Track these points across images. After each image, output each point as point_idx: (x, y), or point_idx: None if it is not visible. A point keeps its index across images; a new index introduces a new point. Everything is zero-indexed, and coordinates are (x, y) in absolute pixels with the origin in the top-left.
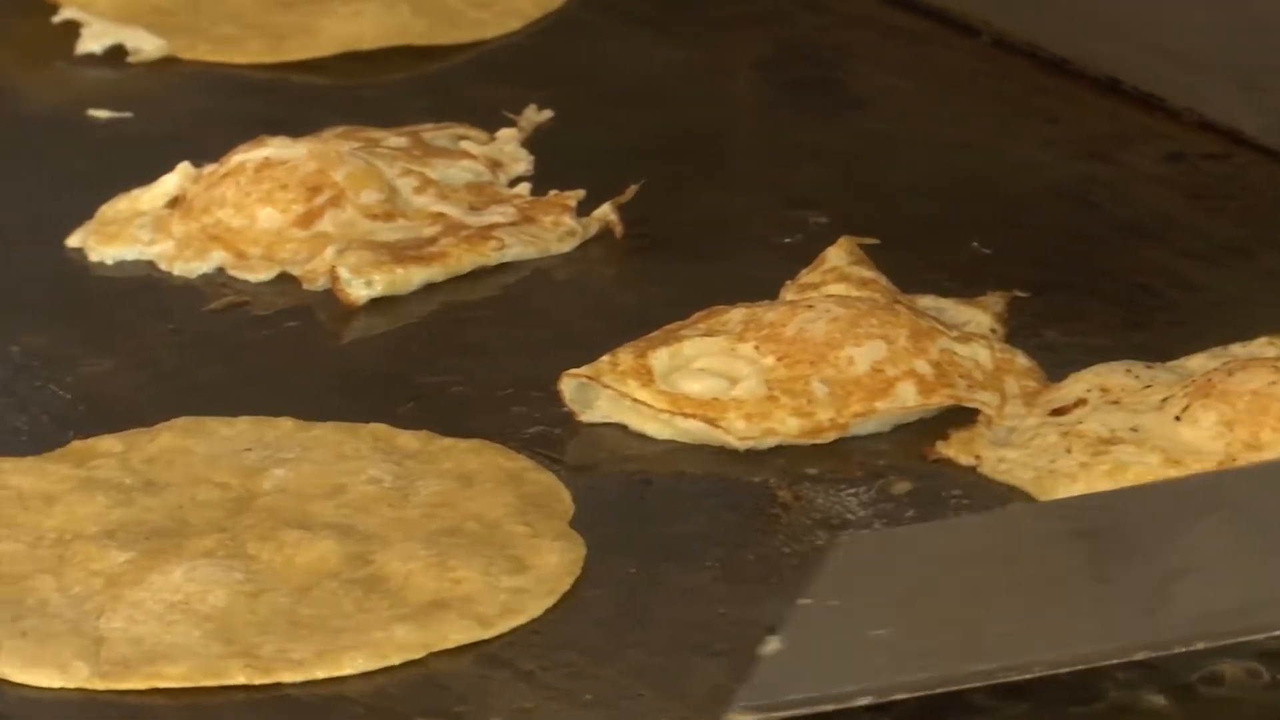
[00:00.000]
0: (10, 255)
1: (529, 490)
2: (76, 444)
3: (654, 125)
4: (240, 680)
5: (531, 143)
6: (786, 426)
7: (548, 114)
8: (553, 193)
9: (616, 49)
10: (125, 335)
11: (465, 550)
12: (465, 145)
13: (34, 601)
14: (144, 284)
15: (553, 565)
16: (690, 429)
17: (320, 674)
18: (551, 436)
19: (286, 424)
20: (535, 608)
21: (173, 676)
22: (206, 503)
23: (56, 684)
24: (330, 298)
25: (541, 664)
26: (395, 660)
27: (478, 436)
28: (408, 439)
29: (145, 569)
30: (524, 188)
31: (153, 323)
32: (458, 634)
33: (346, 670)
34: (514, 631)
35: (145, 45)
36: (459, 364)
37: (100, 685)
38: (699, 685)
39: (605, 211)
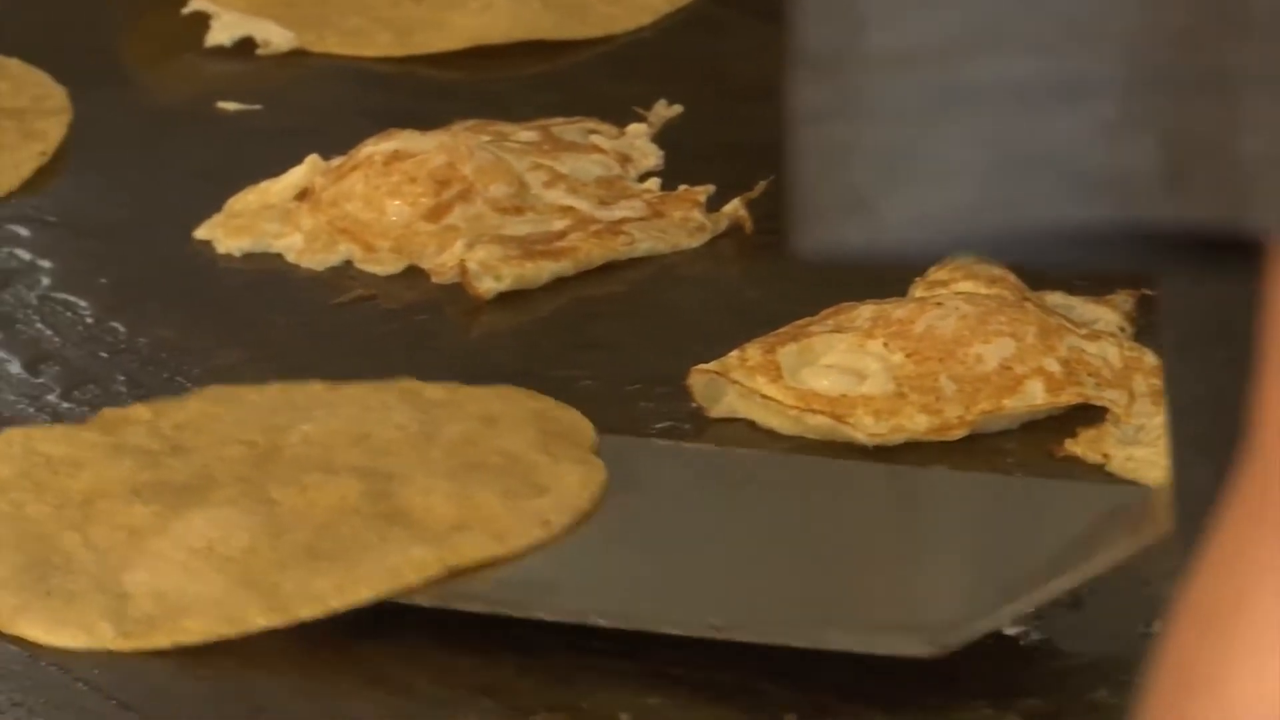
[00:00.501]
0: (139, 247)
1: (552, 426)
2: (107, 412)
3: (784, 121)
4: (260, 623)
5: (661, 138)
6: (915, 423)
7: (677, 109)
8: (682, 188)
9: (747, 44)
10: (252, 328)
11: (486, 480)
12: (595, 140)
13: (59, 559)
14: (272, 276)
15: (573, 486)
16: (818, 425)
17: (337, 604)
18: (679, 431)
19: (316, 386)
20: (555, 524)
21: (195, 632)
22: (231, 459)
23: (83, 644)
24: (459, 291)
25: None
26: (413, 579)
27: (605, 432)
28: (435, 390)
29: (168, 519)
30: (653, 183)
31: (280, 316)
32: (475, 551)
33: (365, 596)
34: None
35: (274, 38)
36: (586, 359)
37: (126, 646)
38: None
39: (735, 207)
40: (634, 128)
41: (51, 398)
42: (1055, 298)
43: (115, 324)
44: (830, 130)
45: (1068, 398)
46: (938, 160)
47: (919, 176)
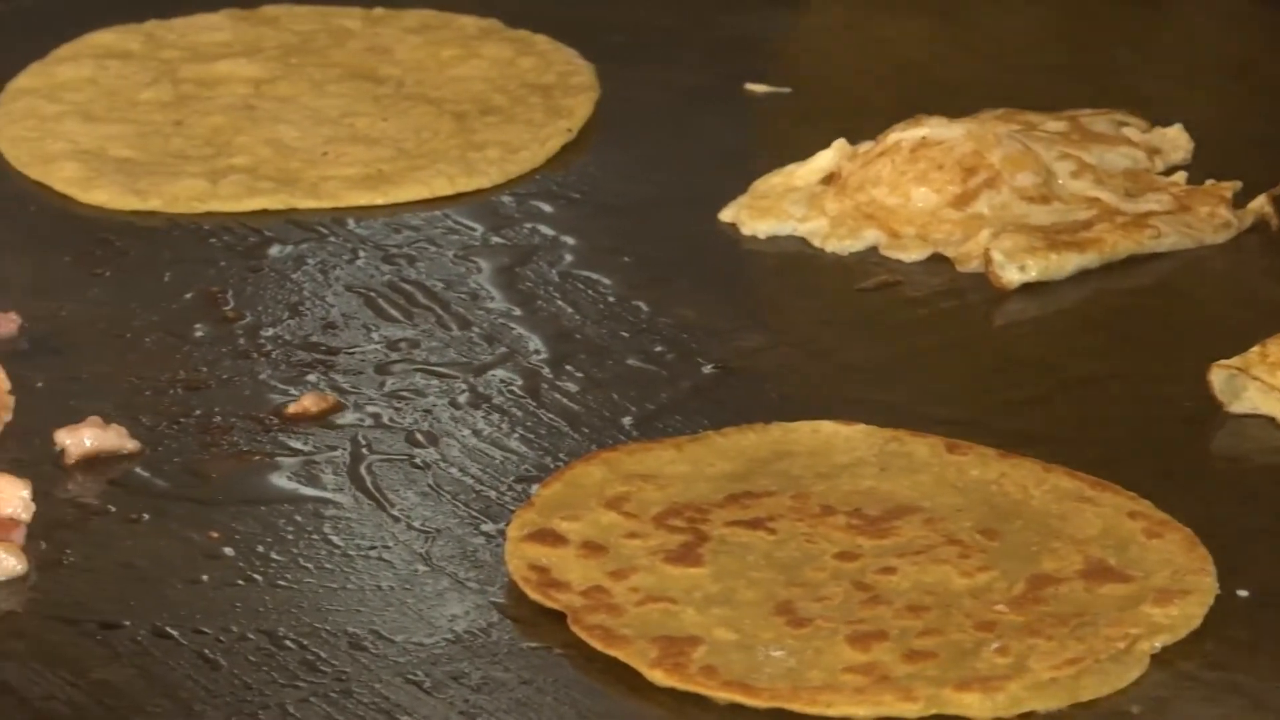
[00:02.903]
0: (662, 226)
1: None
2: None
3: None
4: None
5: (1189, 132)
6: None
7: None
8: (1209, 182)
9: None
10: (775, 311)
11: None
12: (1126, 131)
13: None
14: (795, 260)
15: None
16: None
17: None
18: (1200, 426)
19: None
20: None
21: None
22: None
23: None
24: (982, 280)
25: None
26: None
27: (1123, 424)
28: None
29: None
30: (1179, 176)
31: (803, 299)
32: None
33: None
34: None
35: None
36: (1109, 350)
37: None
38: None
39: (1260, 204)
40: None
41: (569, 383)
42: None
43: (638, 303)
44: None
45: None
46: None
47: None
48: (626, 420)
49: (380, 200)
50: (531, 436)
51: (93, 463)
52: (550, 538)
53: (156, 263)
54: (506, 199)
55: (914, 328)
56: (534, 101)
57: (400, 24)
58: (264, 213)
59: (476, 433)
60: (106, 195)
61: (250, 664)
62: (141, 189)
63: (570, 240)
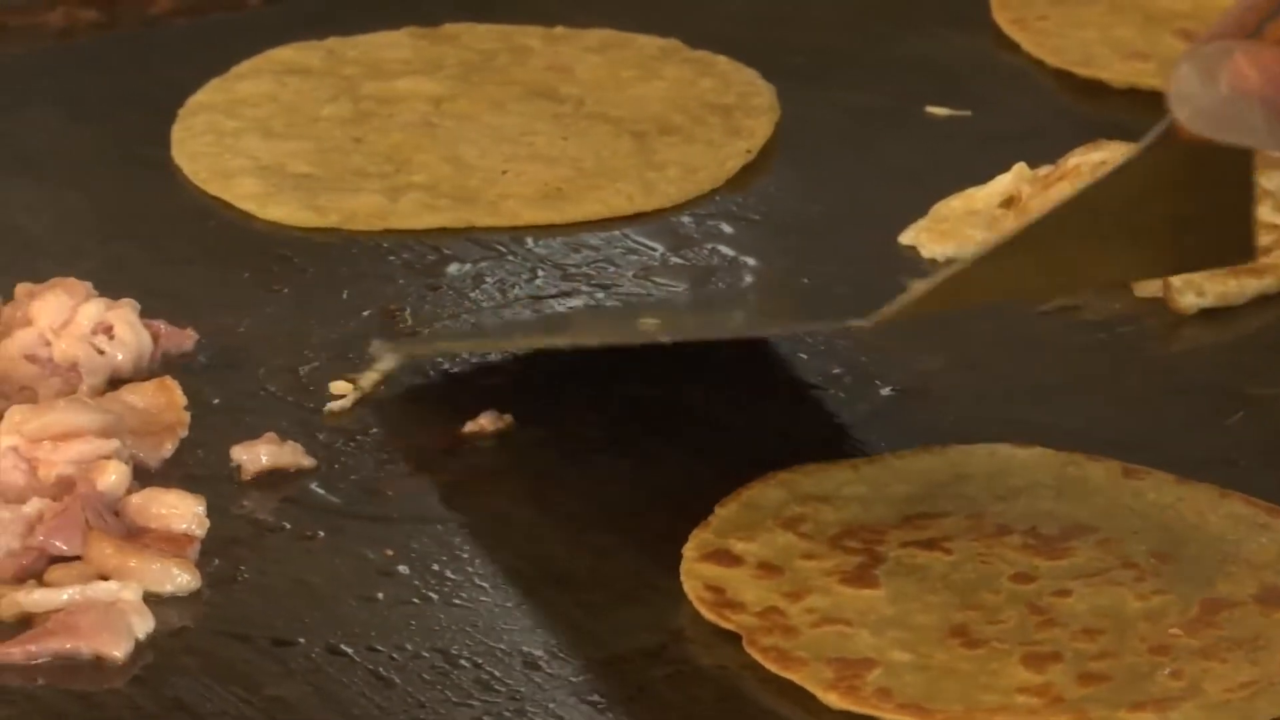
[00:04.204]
0: (841, 247)
1: None
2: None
3: None
4: None
5: None
6: None
7: None
8: None
9: None
10: (954, 334)
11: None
12: None
13: None
14: None
15: None
16: None
17: None
18: None
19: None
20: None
21: None
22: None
23: None
24: (1160, 305)
25: None
26: None
27: None
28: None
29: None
30: None
31: (981, 322)
32: None
33: None
34: None
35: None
36: None
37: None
38: None
39: None
40: None
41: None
42: None
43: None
44: None
45: None
46: None
47: None
48: (803, 442)
49: (558, 219)
50: (708, 456)
51: (268, 479)
52: (726, 558)
53: (335, 280)
54: (685, 219)
55: (1091, 352)
56: (714, 122)
57: (581, 43)
58: (442, 230)
59: (652, 451)
60: (285, 211)
61: (424, 682)
62: (320, 205)
63: (750, 261)
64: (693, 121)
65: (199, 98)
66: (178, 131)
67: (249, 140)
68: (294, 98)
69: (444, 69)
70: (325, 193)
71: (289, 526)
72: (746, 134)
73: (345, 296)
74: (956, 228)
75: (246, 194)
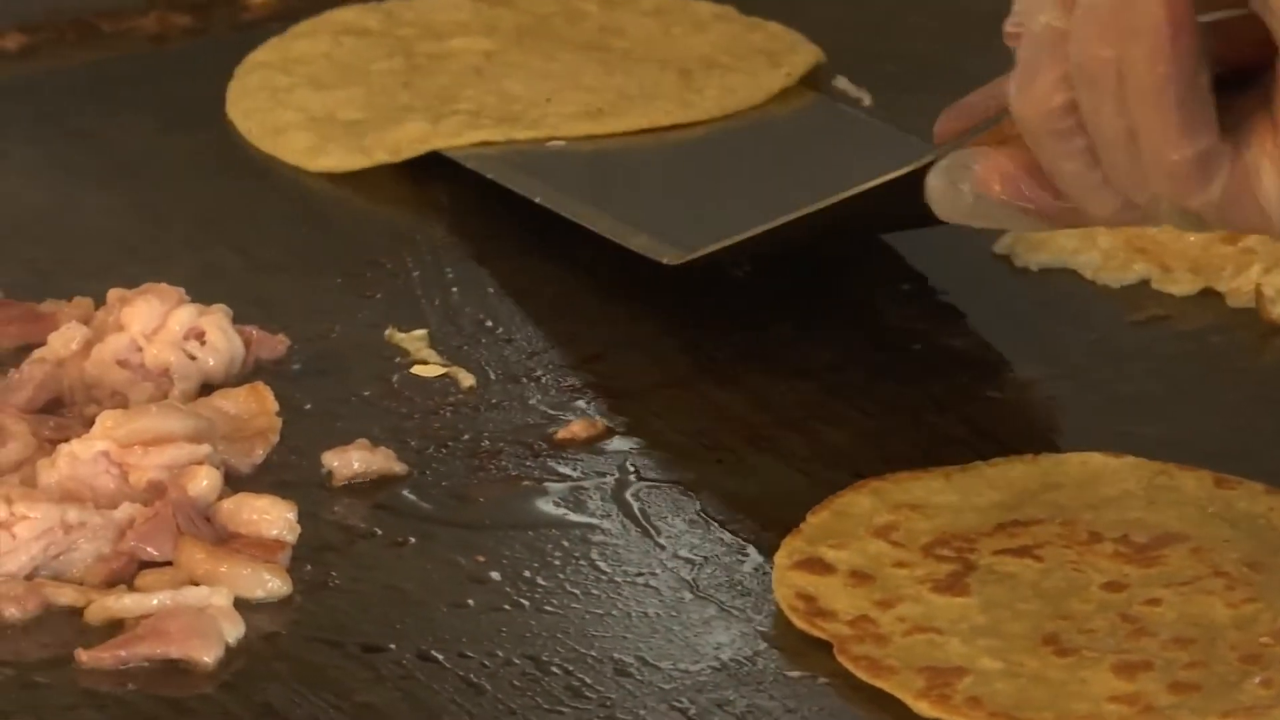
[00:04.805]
0: (937, 256)
1: None
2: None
3: None
4: None
5: None
6: None
7: None
8: None
9: None
10: (1046, 343)
11: None
12: None
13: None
14: (1067, 292)
15: None
16: None
17: None
18: None
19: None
20: None
21: None
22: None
23: None
24: (1253, 315)
25: None
26: None
27: None
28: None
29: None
30: None
31: (1074, 331)
32: None
33: None
34: None
35: None
36: None
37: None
38: None
39: None
40: None
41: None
42: None
43: (910, 331)
44: None
45: None
46: None
47: None
48: (895, 449)
49: (599, 130)
50: (799, 464)
51: (359, 485)
52: (818, 566)
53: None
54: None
55: (1183, 361)
56: (759, 59)
57: (636, 8)
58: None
59: (743, 458)
60: (334, 160)
61: (515, 689)
62: (366, 145)
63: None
64: (737, 59)
65: (255, 56)
66: (233, 90)
67: (300, 94)
68: (348, 56)
69: (499, 31)
70: (371, 132)
71: (380, 532)
72: (788, 66)
73: (436, 303)
74: (1050, 237)
75: (296, 149)
